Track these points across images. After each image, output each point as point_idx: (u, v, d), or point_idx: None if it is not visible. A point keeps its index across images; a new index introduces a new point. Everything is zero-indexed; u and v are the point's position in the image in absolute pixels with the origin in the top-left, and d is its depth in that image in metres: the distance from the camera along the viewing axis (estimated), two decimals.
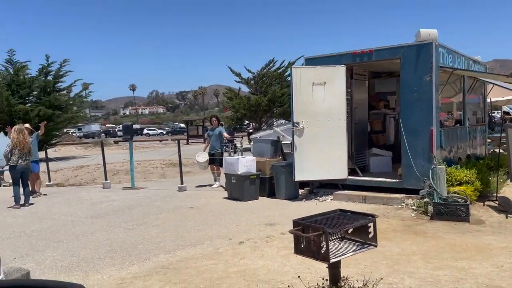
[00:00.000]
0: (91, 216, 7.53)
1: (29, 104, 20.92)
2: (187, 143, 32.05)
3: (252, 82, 24.78)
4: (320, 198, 8.03)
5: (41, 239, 6.11)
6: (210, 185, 10.25)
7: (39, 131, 9.97)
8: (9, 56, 21.48)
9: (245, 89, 26.56)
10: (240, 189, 8.20)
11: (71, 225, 6.83)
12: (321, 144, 7.87)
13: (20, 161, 8.55)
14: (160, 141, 41.66)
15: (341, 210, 3.40)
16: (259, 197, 8.34)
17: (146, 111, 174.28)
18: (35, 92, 21.52)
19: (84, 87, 24.94)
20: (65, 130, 28.59)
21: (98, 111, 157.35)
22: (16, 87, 20.69)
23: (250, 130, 27.49)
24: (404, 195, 7.41)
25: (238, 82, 25.48)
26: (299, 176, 7.95)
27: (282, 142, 9.49)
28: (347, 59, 8.03)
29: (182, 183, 9.88)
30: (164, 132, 63.82)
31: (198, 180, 11.22)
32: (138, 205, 8.33)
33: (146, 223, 6.74)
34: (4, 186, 12.10)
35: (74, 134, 56.18)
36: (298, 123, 7.83)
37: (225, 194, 8.86)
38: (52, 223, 7.06)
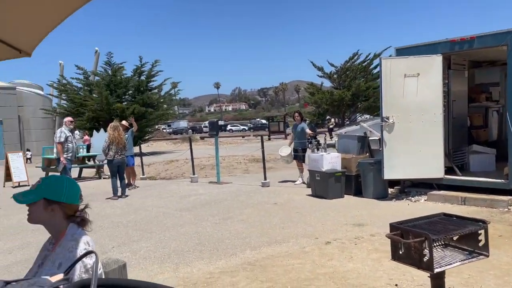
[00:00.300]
0: (180, 209, 7.84)
1: (125, 103, 22.55)
2: (269, 139, 32.37)
3: (335, 76, 24.17)
4: (412, 198, 7.50)
5: (136, 229, 6.48)
6: (294, 181, 10.15)
7: (133, 128, 10.65)
8: (107, 58, 23.37)
9: (327, 83, 26.03)
10: (325, 186, 7.97)
11: (163, 217, 7.16)
12: (413, 140, 7.33)
13: (116, 155, 9.18)
14: (243, 136, 42.59)
15: (445, 214, 3.06)
16: (345, 196, 8.04)
17: (230, 108, 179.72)
18: (130, 91, 23.15)
19: (173, 86, 26.28)
20: (156, 127, 30.39)
21: (186, 108, 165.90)
22: (114, 87, 22.43)
23: (331, 126, 26.86)
24: (511, 197, 6.63)
25: (321, 76, 25.03)
26: (388, 174, 7.50)
27: (370, 138, 9.05)
28: (444, 47, 7.37)
29: (265, 178, 9.90)
30: (246, 128, 65.20)
31: (280, 176, 11.19)
32: (223, 199, 8.51)
33: (231, 218, 6.83)
34: (104, 178, 13.18)
35: (164, 130, 59.69)
36: (387, 118, 7.38)
37: (308, 191, 8.69)
38: (146, 215, 7.47)
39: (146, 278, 4.25)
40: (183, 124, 73.26)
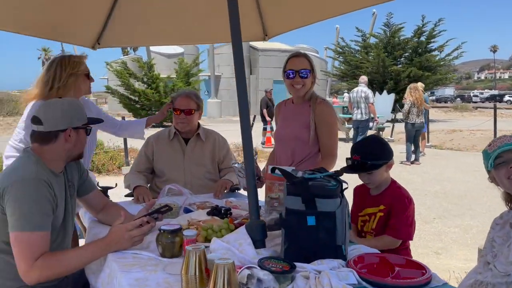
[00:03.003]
0: (492, 187, 6.69)
1: (400, 65, 21.63)
2: None
3: None
4: None
5: (450, 202, 5.85)
6: None
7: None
8: (387, 19, 22.68)
9: None
10: None
11: (476, 193, 6.25)
12: None
13: (417, 119, 8.64)
14: None
15: None
16: None
17: (506, 76, 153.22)
18: (407, 54, 22.03)
19: (440, 50, 23.07)
20: (429, 93, 28.37)
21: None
22: (391, 49, 21.76)
23: None
24: None
25: None
26: None
27: None
28: None
29: None
30: None
31: None
32: None
33: None
34: None
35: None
36: None
37: None
38: (452, 187, 6.74)
39: None
40: (448, 91, 66.52)
